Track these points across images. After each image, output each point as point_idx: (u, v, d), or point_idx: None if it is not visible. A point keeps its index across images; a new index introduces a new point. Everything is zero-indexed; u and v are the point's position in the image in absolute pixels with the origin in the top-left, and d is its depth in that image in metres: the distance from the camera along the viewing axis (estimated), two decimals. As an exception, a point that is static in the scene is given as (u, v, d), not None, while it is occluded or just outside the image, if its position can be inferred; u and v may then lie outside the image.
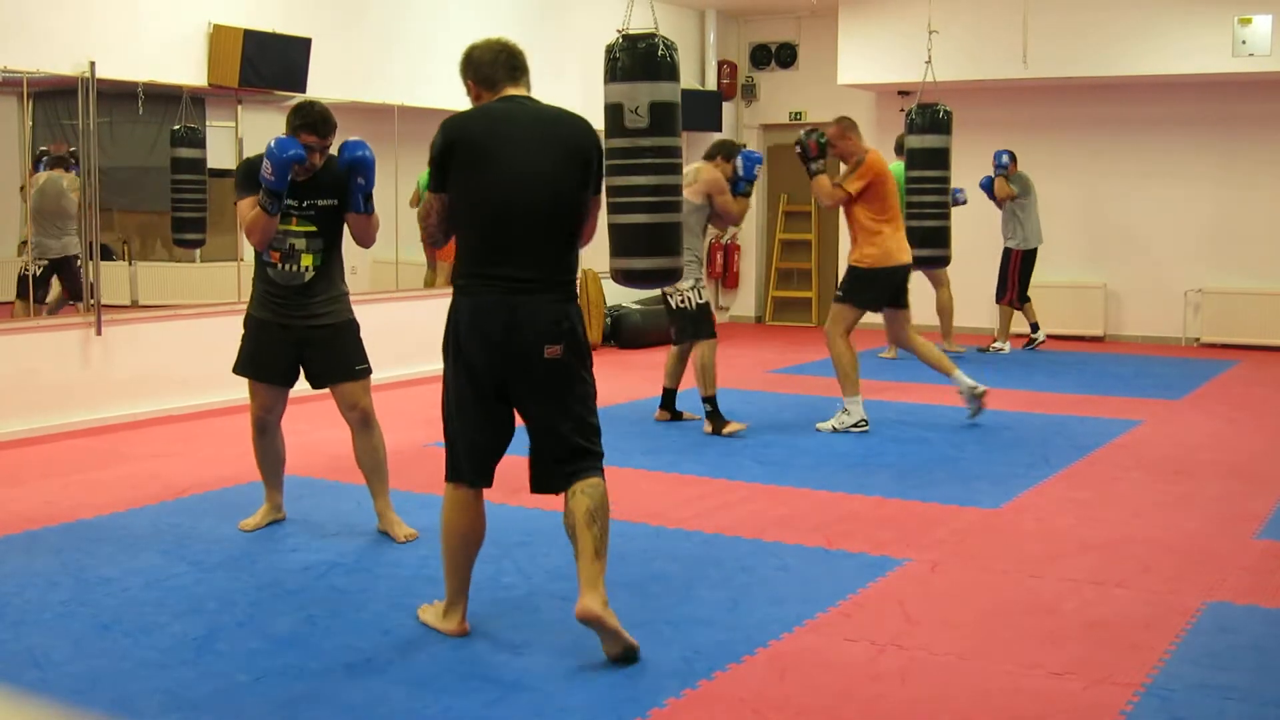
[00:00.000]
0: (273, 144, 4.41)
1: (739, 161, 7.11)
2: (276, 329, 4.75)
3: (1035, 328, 10.98)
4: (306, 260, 4.69)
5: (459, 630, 3.75)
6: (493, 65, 3.83)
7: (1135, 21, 10.64)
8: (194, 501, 5.40)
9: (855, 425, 6.99)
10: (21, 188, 7.56)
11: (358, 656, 3.58)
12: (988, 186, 10.52)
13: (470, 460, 3.66)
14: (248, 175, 4.56)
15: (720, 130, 12.42)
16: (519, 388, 3.62)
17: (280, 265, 4.68)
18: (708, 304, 7.12)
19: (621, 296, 11.14)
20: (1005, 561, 4.56)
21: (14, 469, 6.06)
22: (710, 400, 6.99)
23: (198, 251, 8.70)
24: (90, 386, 7.14)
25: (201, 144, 8.47)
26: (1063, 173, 11.49)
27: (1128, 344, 11.47)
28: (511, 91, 3.82)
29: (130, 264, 8.21)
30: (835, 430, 6.98)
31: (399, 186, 9.55)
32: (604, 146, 6.43)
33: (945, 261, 9.29)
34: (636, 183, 6.10)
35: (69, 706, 3.20)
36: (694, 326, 7.07)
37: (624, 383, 8.98)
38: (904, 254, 7.09)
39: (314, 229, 4.67)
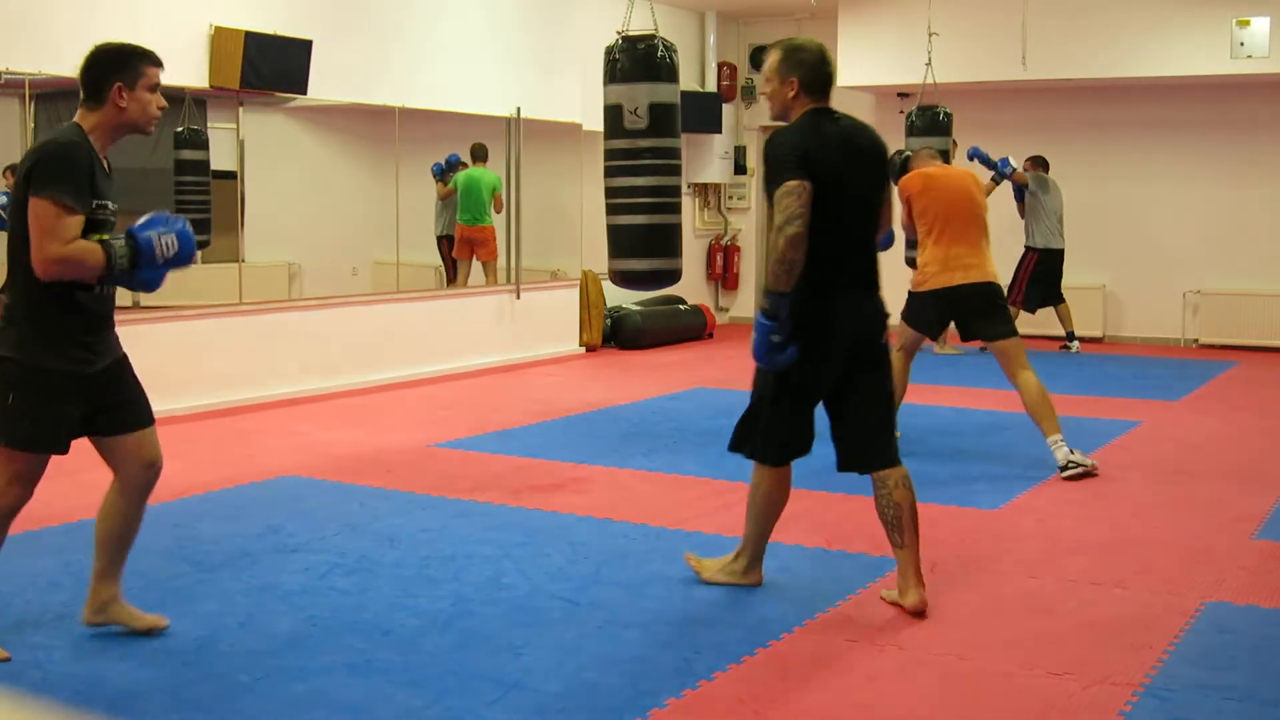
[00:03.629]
0: (180, 226, 3.47)
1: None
2: (79, 382, 3.48)
3: (1070, 335, 10.77)
4: None
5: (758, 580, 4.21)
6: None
7: (1134, 24, 10.65)
8: (195, 502, 5.41)
9: (1063, 469, 5.86)
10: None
11: (358, 657, 3.58)
12: (976, 154, 10.00)
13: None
14: (78, 176, 3.33)
15: (720, 131, 12.43)
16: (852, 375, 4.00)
17: (98, 288, 3.48)
18: None
19: (622, 297, 11.15)
20: (1004, 562, 4.57)
21: (15, 470, 6.06)
22: None
23: (199, 252, 8.70)
24: (91, 388, 7.14)
25: (204, 146, 8.48)
26: (1061, 174, 11.49)
27: (1127, 345, 11.49)
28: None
29: (131, 265, 8.22)
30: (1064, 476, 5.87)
31: (399, 188, 9.56)
32: (604, 147, 6.45)
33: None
34: (635, 184, 6.09)
35: (70, 708, 3.21)
36: None
37: (624, 383, 8.99)
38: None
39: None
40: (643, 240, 6.14)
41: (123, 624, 3.72)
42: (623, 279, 6.33)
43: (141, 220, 3.43)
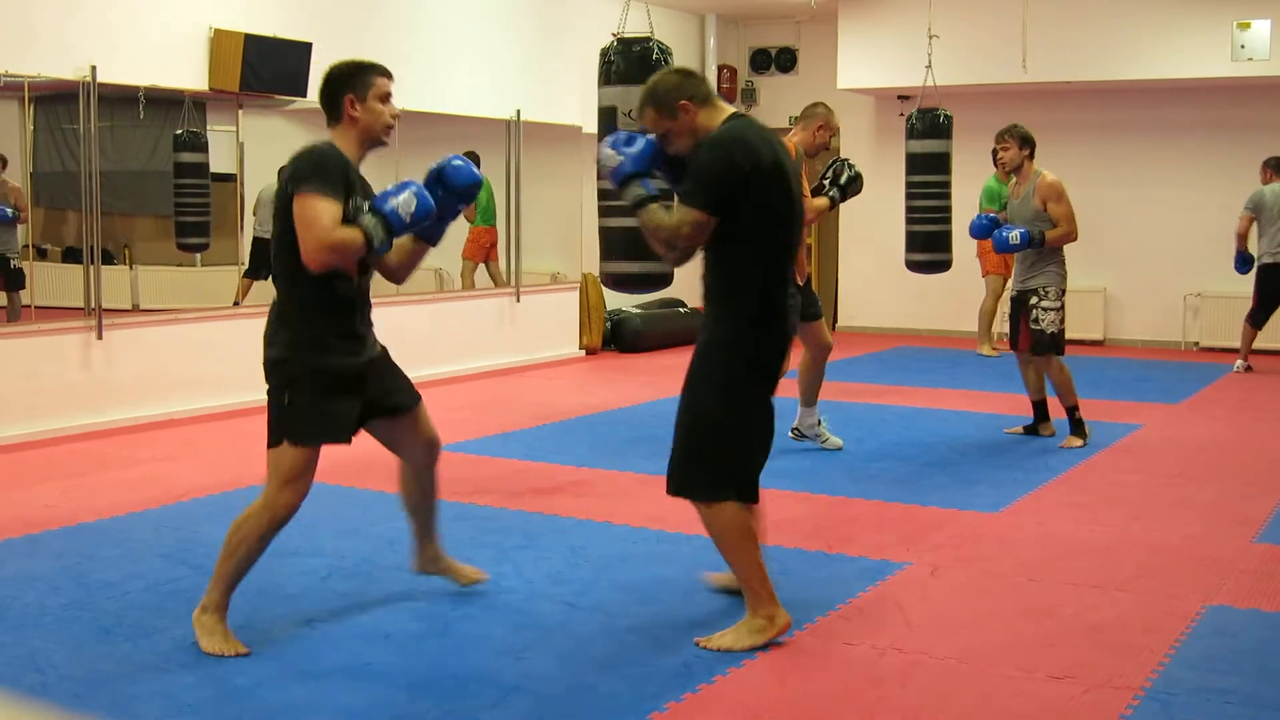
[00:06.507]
0: (413, 186, 3.52)
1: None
2: (353, 374, 3.65)
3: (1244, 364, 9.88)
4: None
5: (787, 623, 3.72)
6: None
7: (1134, 26, 10.65)
8: (195, 506, 5.40)
9: (796, 430, 6.61)
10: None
11: (358, 660, 3.58)
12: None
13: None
14: (332, 172, 3.50)
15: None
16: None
17: (357, 280, 3.66)
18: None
19: (622, 300, 11.14)
20: (1005, 565, 4.57)
21: (15, 472, 6.07)
22: (1073, 409, 6.75)
23: (198, 255, 8.71)
24: (91, 390, 7.14)
25: (204, 148, 8.48)
26: (1061, 177, 11.48)
27: (1127, 348, 11.48)
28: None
29: (131, 268, 8.22)
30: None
31: (399, 191, 9.55)
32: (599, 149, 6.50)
33: (946, 266, 9.30)
34: None
35: (69, 710, 3.21)
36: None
37: (624, 386, 8.99)
38: None
39: None
40: (634, 243, 6.16)
41: (449, 577, 4.09)
42: (613, 281, 6.33)
43: (383, 193, 3.52)
